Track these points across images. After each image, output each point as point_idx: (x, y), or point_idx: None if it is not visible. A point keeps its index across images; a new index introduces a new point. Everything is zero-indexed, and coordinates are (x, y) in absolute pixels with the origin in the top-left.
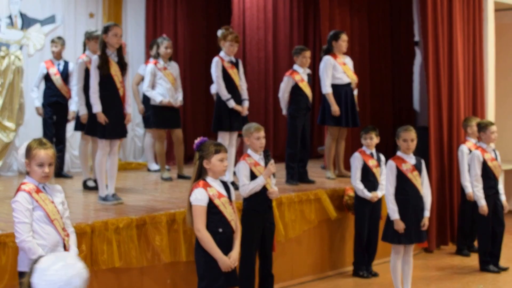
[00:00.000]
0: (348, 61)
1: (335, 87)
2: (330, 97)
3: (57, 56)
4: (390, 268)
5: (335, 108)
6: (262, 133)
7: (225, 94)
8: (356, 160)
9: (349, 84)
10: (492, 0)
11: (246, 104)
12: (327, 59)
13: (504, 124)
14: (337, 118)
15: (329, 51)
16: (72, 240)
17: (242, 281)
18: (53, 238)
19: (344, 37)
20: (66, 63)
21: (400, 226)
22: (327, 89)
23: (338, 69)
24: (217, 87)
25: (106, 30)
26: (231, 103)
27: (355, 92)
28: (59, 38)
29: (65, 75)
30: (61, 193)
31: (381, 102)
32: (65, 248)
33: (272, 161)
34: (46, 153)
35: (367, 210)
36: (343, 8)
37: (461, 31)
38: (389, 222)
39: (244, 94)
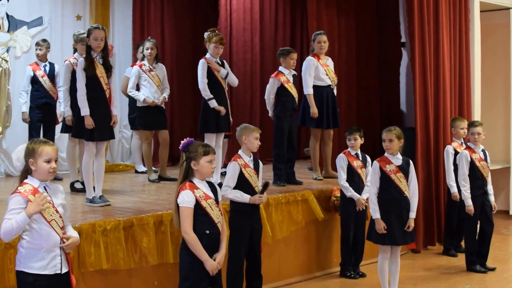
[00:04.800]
0: (330, 63)
1: (317, 88)
2: (310, 98)
3: (42, 58)
4: (377, 269)
5: (314, 110)
6: (259, 135)
7: (207, 94)
8: (341, 161)
9: (329, 86)
10: (478, 1)
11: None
12: (309, 60)
13: (490, 125)
14: (317, 119)
15: (313, 52)
16: (72, 230)
17: (230, 282)
18: (51, 239)
19: (320, 38)
20: (51, 65)
21: (380, 225)
22: (308, 90)
23: (321, 70)
24: (200, 86)
25: (88, 33)
26: (213, 103)
27: (335, 91)
28: (44, 40)
29: (52, 77)
30: (62, 193)
31: (368, 103)
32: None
33: (265, 194)
34: (52, 149)
35: (352, 211)
36: (330, 10)
37: (447, 32)
38: (373, 221)
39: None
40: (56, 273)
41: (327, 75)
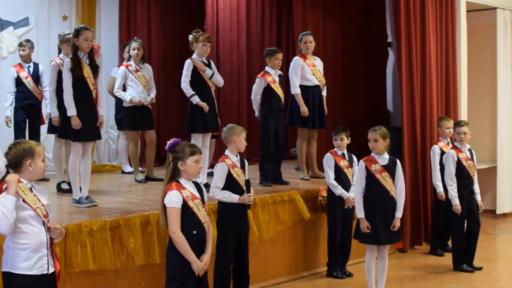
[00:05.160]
0: (318, 63)
1: (303, 88)
2: (298, 97)
3: (26, 59)
4: (364, 268)
5: (304, 109)
6: (245, 136)
7: (189, 92)
8: (328, 161)
9: (317, 86)
10: (465, 0)
11: None
12: (296, 60)
13: (477, 124)
14: (304, 119)
15: (301, 52)
16: None
17: (217, 282)
18: (39, 237)
19: (306, 39)
20: (36, 65)
21: (364, 225)
22: (295, 89)
23: (307, 70)
24: (182, 85)
25: (77, 33)
26: (195, 99)
27: (324, 93)
28: (27, 41)
29: (36, 77)
30: (46, 195)
31: (354, 103)
32: (49, 247)
33: (251, 193)
34: (41, 148)
35: (339, 210)
36: (316, 10)
37: (433, 32)
38: (359, 220)
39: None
40: (43, 273)
41: (314, 75)
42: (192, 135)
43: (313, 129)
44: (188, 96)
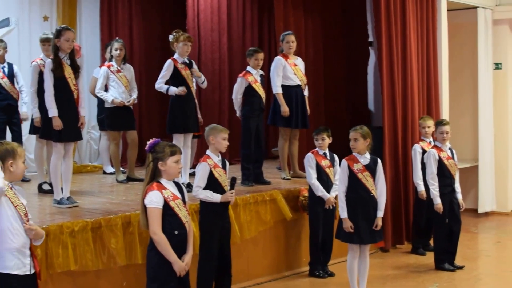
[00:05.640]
0: (299, 62)
1: (285, 88)
2: (280, 97)
3: (0, 59)
4: (346, 268)
5: (284, 109)
6: (227, 135)
7: (163, 88)
8: (310, 160)
9: (299, 86)
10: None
11: None
12: (278, 59)
13: (458, 123)
14: (286, 119)
15: (282, 52)
16: None
17: (200, 282)
18: (20, 238)
19: (288, 38)
20: (10, 65)
21: (347, 224)
22: (277, 89)
23: (289, 70)
24: (157, 86)
25: (58, 34)
26: (172, 89)
27: (306, 93)
28: (1, 41)
29: (11, 77)
30: (24, 196)
31: (336, 102)
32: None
33: (233, 191)
34: (22, 150)
35: (320, 210)
36: (297, 10)
37: (414, 31)
38: (341, 220)
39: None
40: (26, 273)
41: (295, 74)
42: (174, 135)
43: (295, 129)
44: (165, 92)
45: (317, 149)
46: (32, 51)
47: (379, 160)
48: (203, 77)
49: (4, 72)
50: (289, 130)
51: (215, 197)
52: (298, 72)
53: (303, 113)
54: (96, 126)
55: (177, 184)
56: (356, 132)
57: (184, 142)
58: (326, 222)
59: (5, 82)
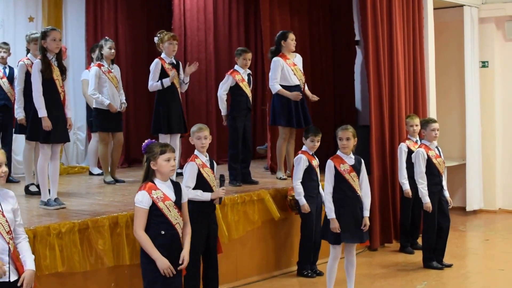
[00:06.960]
0: (298, 60)
1: (285, 88)
2: (282, 92)
3: (4, 61)
4: (326, 268)
5: (293, 96)
6: (203, 133)
7: (157, 85)
8: (302, 162)
9: (298, 86)
10: None
11: None
12: (276, 60)
13: (446, 122)
14: (288, 119)
15: (278, 52)
16: (26, 247)
17: (187, 282)
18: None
19: (292, 36)
20: (11, 68)
21: (335, 225)
22: (276, 87)
23: (288, 71)
24: (150, 88)
25: (44, 35)
26: (167, 82)
27: (306, 89)
28: (5, 44)
29: (11, 79)
30: (13, 199)
31: (322, 101)
32: (11, 253)
33: (223, 187)
34: (3, 153)
35: (312, 209)
36: (283, 9)
37: (401, 30)
38: (327, 221)
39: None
40: (3, 281)
41: (294, 75)
42: (159, 135)
43: (294, 129)
44: (160, 87)
45: (306, 149)
46: (17, 52)
47: (362, 160)
48: (188, 79)
49: (4, 73)
50: (289, 130)
51: (206, 196)
52: (297, 72)
53: (304, 111)
54: (82, 127)
55: (176, 185)
56: (348, 131)
57: (170, 142)
58: (316, 223)
59: (4, 82)
